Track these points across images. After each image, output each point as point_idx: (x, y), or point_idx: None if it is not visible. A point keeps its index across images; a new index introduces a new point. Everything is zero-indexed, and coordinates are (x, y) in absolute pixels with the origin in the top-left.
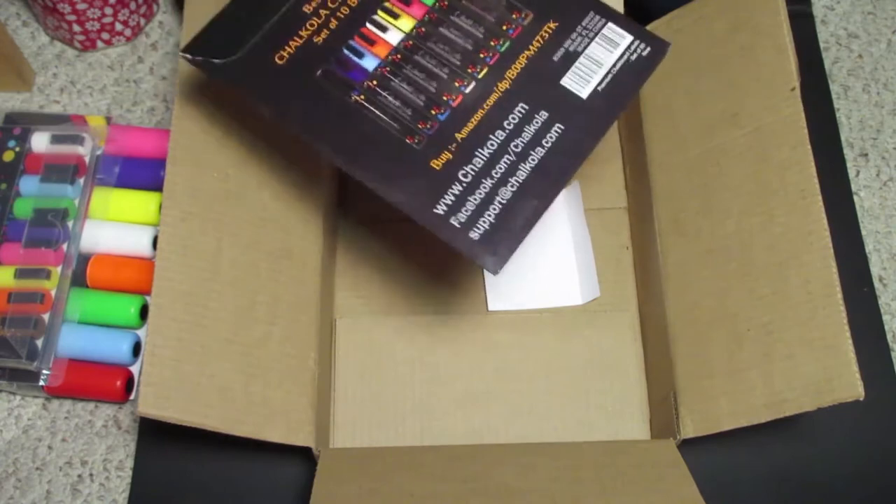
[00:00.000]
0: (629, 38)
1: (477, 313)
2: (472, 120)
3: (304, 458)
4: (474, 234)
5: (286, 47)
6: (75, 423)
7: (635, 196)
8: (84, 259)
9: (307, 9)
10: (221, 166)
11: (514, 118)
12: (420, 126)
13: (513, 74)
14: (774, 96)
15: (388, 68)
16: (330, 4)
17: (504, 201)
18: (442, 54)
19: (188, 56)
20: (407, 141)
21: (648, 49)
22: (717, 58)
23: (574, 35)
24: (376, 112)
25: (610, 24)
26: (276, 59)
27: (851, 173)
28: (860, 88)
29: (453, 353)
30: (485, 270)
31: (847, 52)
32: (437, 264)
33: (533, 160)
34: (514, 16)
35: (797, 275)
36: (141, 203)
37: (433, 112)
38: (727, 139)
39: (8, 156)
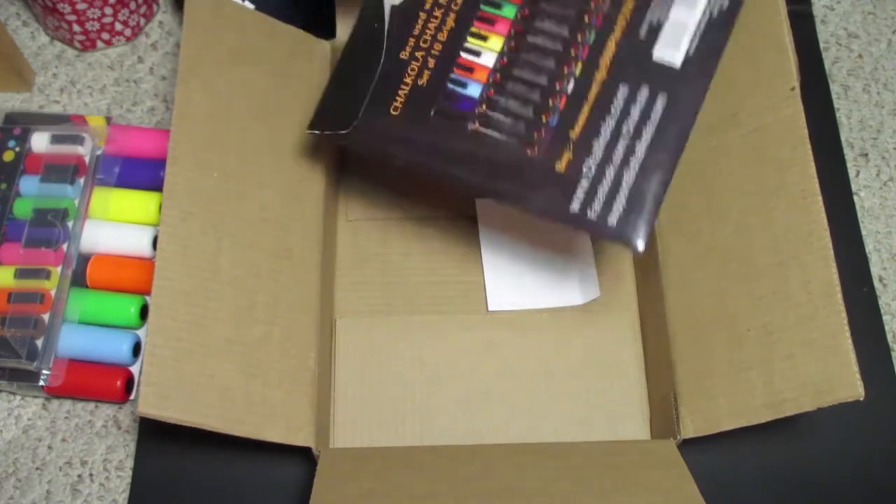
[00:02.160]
0: None
1: (477, 313)
2: (582, 115)
3: (304, 458)
4: (612, 220)
5: (396, 97)
6: (75, 423)
7: None
8: (84, 259)
9: (403, 55)
10: (221, 166)
11: (618, 102)
12: (535, 136)
13: (606, 62)
14: (774, 96)
15: (491, 90)
16: (422, 45)
17: (630, 182)
18: (535, 63)
19: (315, 132)
20: (528, 153)
21: (727, 1)
22: None
23: (653, 5)
24: (494, 134)
25: None
26: (392, 111)
27: (851, 173)
28: (860, 88)
29: (453, 353)
30: (485, 270)
31: (847, 52)
32: (437, 264)
33: (647, 137)
34: (592, 5)
35: (797, 275)
36: (141, 203)
37: (543, 119)
38: (727, 139)
39: (8, 156)
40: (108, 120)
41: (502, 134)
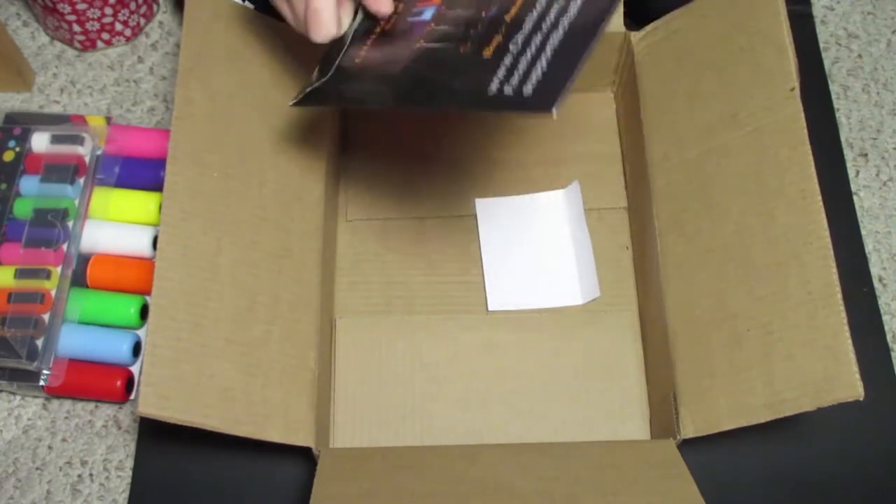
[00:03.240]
0: None
1: (477, 313)
2: (514, 6)
3: (304, 458)
4: (527, 89)
5: (363, 48)
6: (75, 423)
7: (635, 196)
8: (84, 259)
9: (379, 26)
10: (221, 166)
11: None
12: (471, 32)
13: None
14: (774, 96)
15: (443, 7)
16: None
17: (549, 55)
18: None
19: (296, 101)
20: (461, 50)
21: None
22: (716, 58)
23: None
24: (434, 45)
25: None
26: (356, 60)
27: (851, 173)
28: (860, 88)
29: (453, 353)
30: (485, 270)
31: (847, 52)
32: (437, 264)
33: (573, 10)
34: None
35: (797, 275)
36: (141, 203)
37: (483, 14)
38: (727, 139)
39: (8, 156)
40: (108, 120)
41: (442, 42)
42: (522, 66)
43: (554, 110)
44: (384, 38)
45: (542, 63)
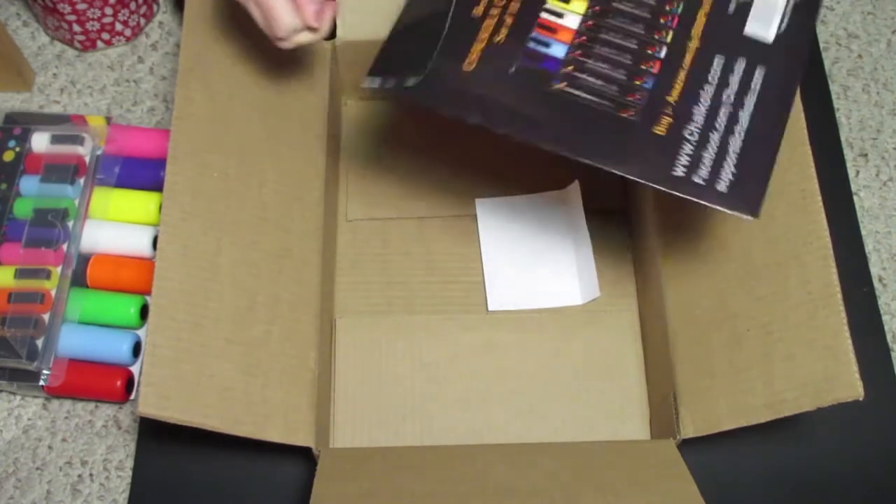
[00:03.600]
0: None
1: (477, 313)
2: (678, 81)
3: (304, 458)
4: (721, 187)
5: (470, 53)
6: (75, 423)
7: (635, 196)
8: (84, 259)
9: (476, 12)
10: (221, 166)
11: (716, 71)
12: (630, 98)
13: (698, 32)
14: None
15: (579, 51)
16: (497, 3)
17: (737, 150)
18: (623, 27)
19: (376, 81)
20: (622, 115)
21: None
22: None
23: None
24: (583, 95)
25: None
26: (465, 67)
27: (851, 173)
28: (860, 88)
29: (453, 353)
30: (485, 270)
31: (847, 52)
32: (437, 264)
33: (749, 105)
34: None
35: (797, 275)
36: (141, 203)
37: (637, 83)
38: None
39: (8, 156)
40: (108, 120)
41: (593, 95)
42: (707, 161)
43: (757, 209)
44: (496, 52)
45: (731, 162)
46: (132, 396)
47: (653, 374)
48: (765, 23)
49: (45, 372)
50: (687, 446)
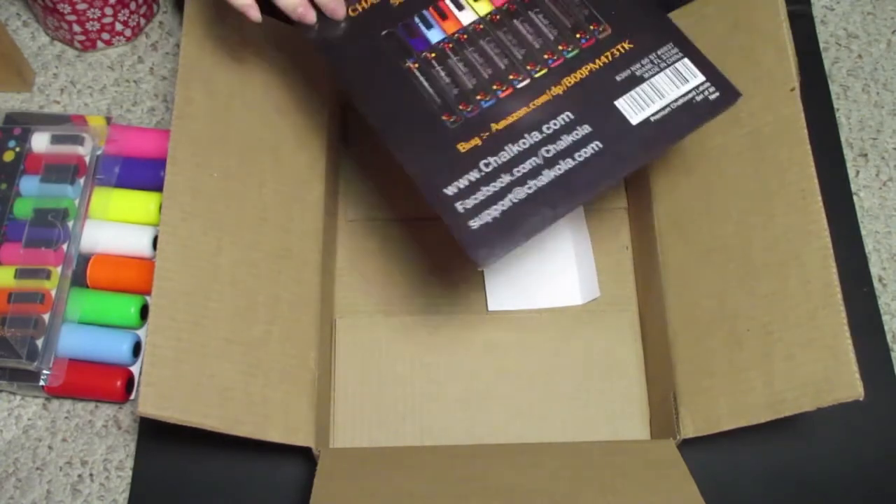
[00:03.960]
0: (701, 77)
1: (477, 313)
2: (514, 115)
3: (304, 458)
4: (474, 224)
5: (363, 1)
6: (75, 423)
7: (635, 196)
8: (84, 259)
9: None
10: (221, 166)
11: (555, 124)
12: (461, 107)
13: (570, 82)
14: (774, 96)
15: (450, 44)
16: None
17: (515, 200)
18: (507, 45)
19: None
20: (443, 118)
21: (717, 94)
22: (717, 58)
23: (645, 61)
24: (424, 83)
25: (686, 60)
26: (350, 11)
27: (851, 173)
28: (860, 88)
29: (453, 353)
30: (485, 270)
31: (847, 52)
32: (437, 264)
33: (559, 170)
34: (591, 27)
35: (797, 275)
36: (141, 203)
37: (478, 98)
38: (727, 139)
39: (8, 156)
40: (108, 120)
41: (432, 89)
42: (479, 196)
43: (487, 263)
44: (384, 11)
45: (499, 209)
46: (132, 396)
47: (653, 374)
48: (640, 104)
49: (45, 372)
50: (687, 446)
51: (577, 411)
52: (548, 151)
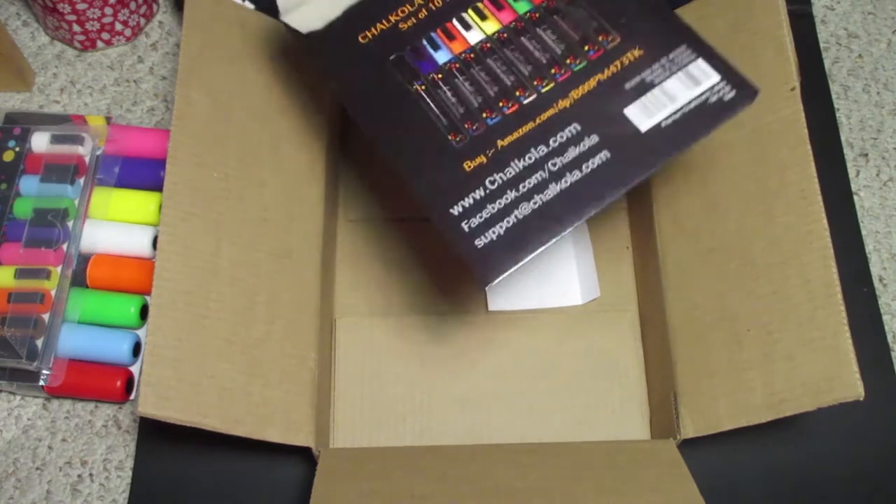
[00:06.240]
0: (716, 77)
1: (477, 313)
2: (520, 130)
3: (304, 458)
4: (479, 243)
5: (372, 29)
6: (75, 423)
7: (635, 196)
8: (84, 259)
9: None
10: (221, 166)
11: (562, 136)
12: (467, 126)
13: (578, 94)
14: (774, 96)
15: (456, 64)
16: None
17: (521, 217)
18: (514, 62)
19: (285, 21)
20: (449, 138)
21: (734, 93)
22: None
23: (656, 66)
24: (430, 104)
25: (700, 60)
26: (360, 39)
27: (851, 173)
28: (860, 88)
29: (453, 353)
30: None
31: (847, 52)
32: (437, 264)
33: (566, 182)
34: (600, 38)
35: (797, 275)
36: (141, 203)
37: (484, 115)
38: (727, 139)
39: (8, 156)
40: (108, 120)
41: (438, 109)
42: (485, 214)
43: (492, 280)
44: (393, 37)
45: (505, 225)
46: (132, 396)
47: (653, 374)
48: (649, 111)
49: (45, 372)
50: (687, 446)
51: (577, 411)
52: (554, 164)
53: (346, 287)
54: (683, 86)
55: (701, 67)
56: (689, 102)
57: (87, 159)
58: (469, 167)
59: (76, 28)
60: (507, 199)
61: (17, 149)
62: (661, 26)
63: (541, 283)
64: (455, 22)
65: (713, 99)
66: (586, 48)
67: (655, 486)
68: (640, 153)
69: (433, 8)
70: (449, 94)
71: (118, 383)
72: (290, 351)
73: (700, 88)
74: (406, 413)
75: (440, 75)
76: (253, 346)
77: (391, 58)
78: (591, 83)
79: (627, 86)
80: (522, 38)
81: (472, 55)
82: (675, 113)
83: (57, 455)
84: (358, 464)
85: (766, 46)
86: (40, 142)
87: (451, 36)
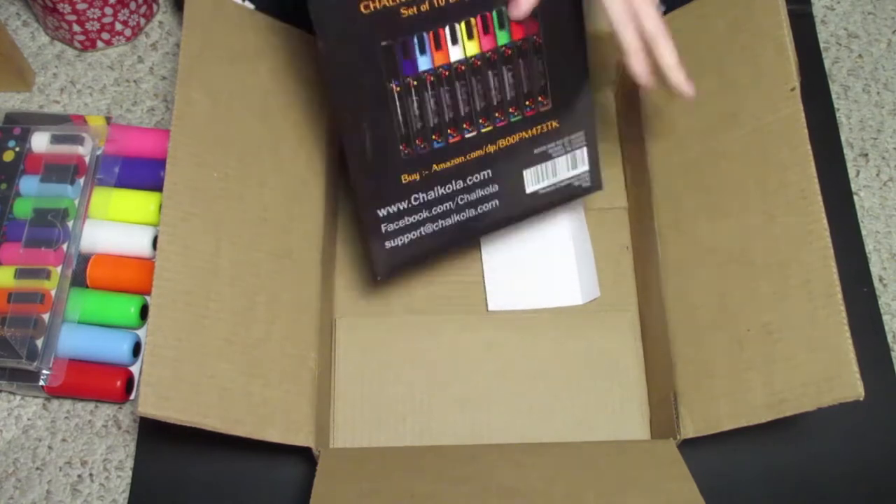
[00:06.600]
0: (585, 168)
1: (477, 313)
2: (452, 161)
3: (304, 458)
4: (388, 244)
5: (376, 1)
6: (75, 423)
7: (635, 196)
8: (84, 259)
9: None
10: (221, 166)
11: (475, 178)
12: (417, 142)
13: (503, 144)
14: (774, 96)
15: (431, 77)
16: None
17: (424, 234)
18: (474, 93)
19: None
20: (401, 148)
21: (588, 184)
22: (717, 58)
23: (559, 142)
24: (398, 109)
25: (585, 150)
26: (362, 8)
27: (851, 173)
28: (860, 88)
29: (453, 353)
30: (485, 270)
31: (847, 52)
32: (437, 264)
33: (463, 216)
34: (539, 98)
35: (797, 275)
36: (141, 203)
37: (433, 138)
38: (727, 139)
39: (8, 156)
40: (108, 120)
41: (403, 118)
42: (401, 224)
43: (379, 276)
44: (391, 19)
45: (403, 239)
46: (132, 396)
47: (653, 374)
48: (538, 178)
49: (45, 372)
50: (687, 446)
51: (577, 411)
52: (462, 199)
53: (346, 287)
54: (567, 166)
55: (582, 156)
56: (564, 180)
57: (87, 159)
58: (405, 180)
59: (76, 28)
60: (420, 216)
61: (17, 149)
62: (580, 108)
63: (541, 283)
64: (447, 31)
65: (576, 183)
66: (527, 103)
67: (655, 486)
68: (518, 208)
69: (437, 5)
70: (415, 105)
71: (118, 383)
72: (290, 351)
73: (575, 172)
74: (406, 413)
75: (415, 83)
76: (253, 346)
77: (382, 44)
78: (516, 138)
79: (536, 150)
80: (489, 72)
81: (446, 72)
82: (552, 185)
83: (57, 455)
84: (358, 464)
85: (766, 46)
86: (40, 142)
87: (438, 45)
